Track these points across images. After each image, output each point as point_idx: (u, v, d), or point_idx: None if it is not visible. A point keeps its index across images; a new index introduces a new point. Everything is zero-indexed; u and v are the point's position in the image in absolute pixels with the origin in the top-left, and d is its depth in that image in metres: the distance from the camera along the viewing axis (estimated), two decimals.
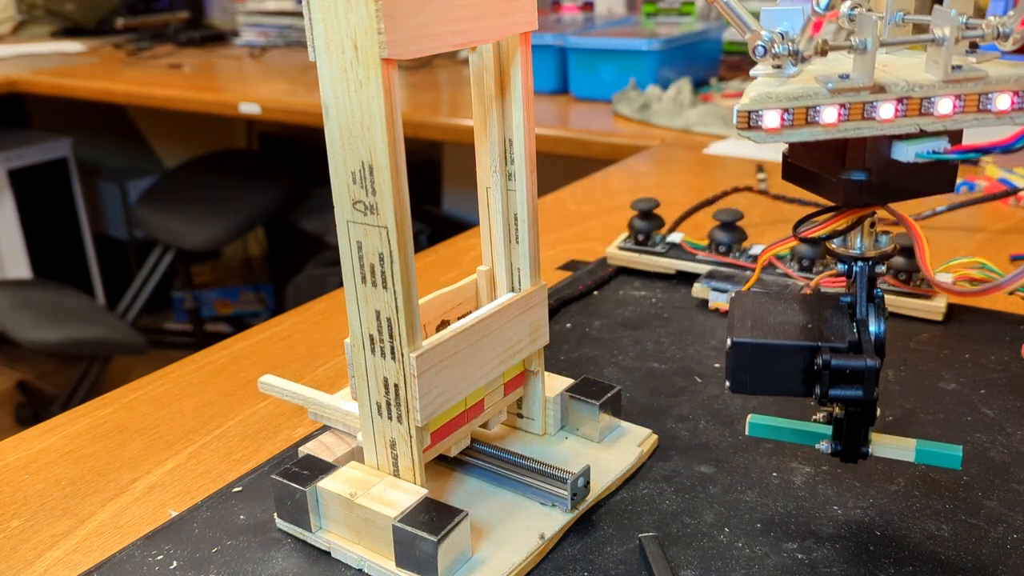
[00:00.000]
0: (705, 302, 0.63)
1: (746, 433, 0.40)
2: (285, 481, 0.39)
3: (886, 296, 0.60)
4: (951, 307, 0.60)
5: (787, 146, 0.36)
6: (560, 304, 0.64)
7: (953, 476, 0.43)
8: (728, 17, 0.32)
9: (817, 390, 0.34)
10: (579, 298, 0.66)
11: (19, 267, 2.14)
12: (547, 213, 0.87)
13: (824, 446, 0.38)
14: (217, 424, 0.51)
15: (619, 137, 1.16)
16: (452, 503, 0.38)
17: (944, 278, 0.60)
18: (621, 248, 0.70)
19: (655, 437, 0.47)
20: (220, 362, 0.59)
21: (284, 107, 1.46)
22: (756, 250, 0.66)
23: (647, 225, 0.69)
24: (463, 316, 0.44)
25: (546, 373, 0.46)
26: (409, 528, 0.36)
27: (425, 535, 0.36)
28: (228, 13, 2.32)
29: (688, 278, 0.67)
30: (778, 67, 0.31)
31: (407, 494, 0.38)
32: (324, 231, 2.06)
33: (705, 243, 0.67)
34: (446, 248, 0.78)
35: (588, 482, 0.42)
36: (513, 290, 0.44)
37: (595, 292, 0.67)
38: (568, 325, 0.61)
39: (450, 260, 0.75)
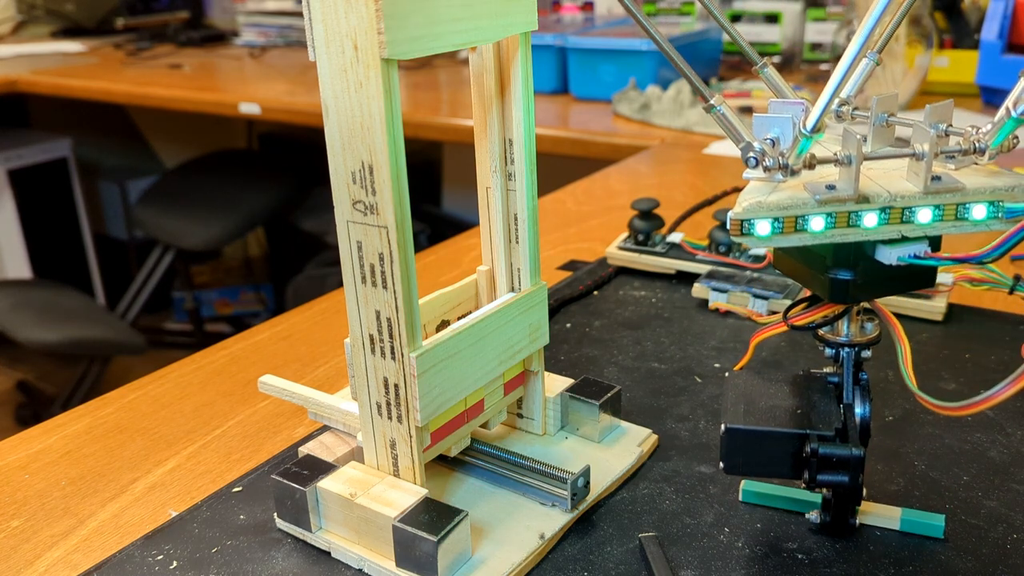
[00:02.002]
0: (705, 302, 0.63)
1: (739, 499, 0.42)
2: (285, 481, 0.39)
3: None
4: (951, 307, 0.60)
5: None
6: (560, 304, 0.64)
7: (953, 476, 0.43)
8: (723, 127, 0.34)
9: (806, 475, 0.36)
10: (579, 298, 0.66)
11: (19, 267, 2.14)
12: (547, 213, 0.87)
13: (814, 516, 0.40)
14: (217, 424, 0.51)
15: (619, 137, 1.16)
16: (452, 503, 0.38)
17: (944, 278, 0.60)
18: (621, 248, 0.70)
19: (655, 437, 0.47)
20: (220, 362, 0.59)
21: (284, 107, 1.46)
22: (756, 250, 0.66)
23: (647, 225, 0.69)
24: (463, 316, 0.44)
25: (546, 373, 0.46)
26: (409, 528, 0.36)
27: (425, 535, 0.36)
28: (228, 13, 2.32)
29: (688, 278, 0.67)
30: (768, 171, 0.33)
31: (407, 494, 0.38)
32: (324, 231, 2.06)
33: (705, 243, 0.67)
34: (446, 248, 0.78)
35: (588, 482, 0.42)
36: (513, 290, 0.44)
37: (595, 292, 0.67)
38: (568, 325, 0.61)
39: (450, 260, 0.75)
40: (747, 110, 1.22)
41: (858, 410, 0.38)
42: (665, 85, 1.28)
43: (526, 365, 0.44)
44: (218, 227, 2.01)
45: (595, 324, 0.61)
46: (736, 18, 1.53)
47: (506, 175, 0.42)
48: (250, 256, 2.58)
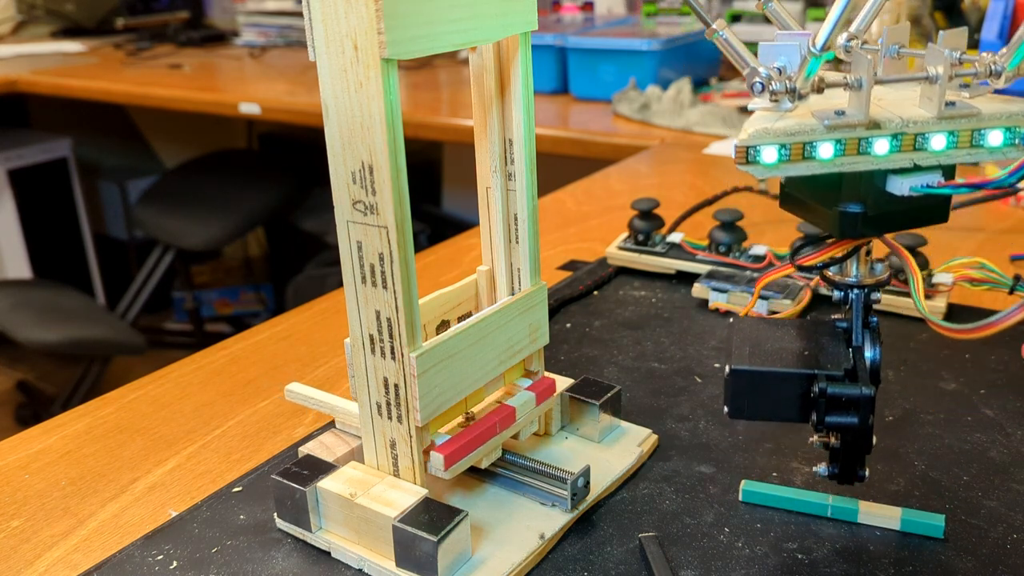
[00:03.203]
0: (705, 302, 0.63)
1: (739, 499, 0.42)
2: (285, 481, 0.39)
3: (887, 296, 0.60)
4: (951, 307, 0.60)
5: (785, 177, 0.37)
6: (560, 304, 0.64)
7: (953, 476, 0.43)
8: (727, 53, 0.33)
9: (813, 417, 0.35)
10: (579, 298, 0.66)
11: (19, 267, 2.14)
12: (547, 213, 0.87)
13: (821, 468, 0.39)
14: (217, 424, 0.51)
15: (619, 137, 1.16)
16: (452, 503, 0.38)
17: (944, 278, 0.60)
18: (621, 248, 0.70)
19: (655, 437, 0.47)
20: (220, 362, 0.59)
21: (284, 107, 1.46)
22: (756, 250, 0.65)
23: (647, 225, 0.69)
24: (463, 316, 0.44)
25: (546, 373, 0.46)
26: (409, 528, 0.36)
27: (425, 535, 0.36)
28: (228, 13, 2.32)
29: (688, 278, 0.66)
30: (776, 101, 0.32)
31: (407, 494, 0.38)
32: (324, 231, 2.06)
33: (705, 243, 0.67)
34: (446, 248, 0.78)
35: (588, 482, 0.42)
36: (513, 290, 0.44)
37: (595, 292, 0.67)
38: (568, 325, 0.61)
39: (450, 260, 0.75)
40: (746, 110, 1.22)
41: (868, 353, 0.36)
42: (665, 85, 1.28)
43: (526, 365, 0.44)
44: (218, 227, 2.01)
45: (595, 324, 0.61)
46: (736, 18, 1.53)
47: (506, 175, 0.42)
48: (250, 256, 2.58)
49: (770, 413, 0.36)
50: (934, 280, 0.60)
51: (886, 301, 0.60)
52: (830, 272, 0.37)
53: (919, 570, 0.37)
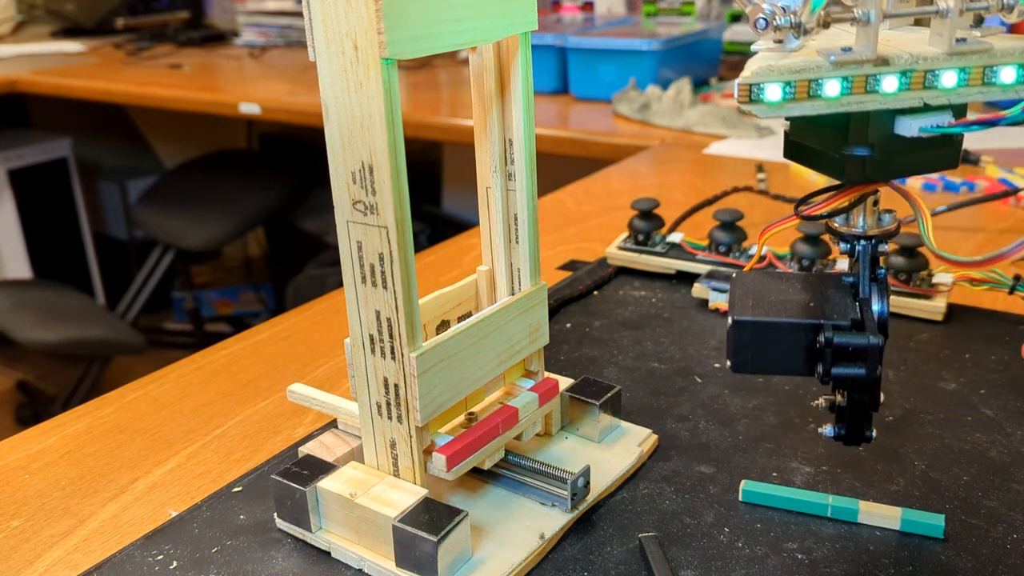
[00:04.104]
0: (705, 302, 0.63)
1: (739, 499, 0.42)
2: (285, 481, 0.39)
3: None
4: (951, 307, 0.60)
5: (788, 124, 0.36)
6: (560, 304, 0.64)
7: (953, 476, 0.43)
8: None
9: (819, 369, 0.34)
10: (579, 298, 0.66)
11: (19, 267, 2.14)
12: (547, 213, 0.87)
13: (828, 429, 0.37)
14: (217, 424, 0.51)
15: (619, 137, 1.16)
16: (452, 503, 0.38)
17: (944, 278, 0.60)
18: (621, 248, 0.70)
19: (655, 437, 0.47)
20: (220, 362, 0.59)
21: (284, 107, 1.46)
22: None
23: (647, 225, 0.69)
24: (463, 316, 0.44)
25: (546, 373, 0.46)
26: (409, 528, 0.36)
27: (425, 535, 0.36)
28: (228, 13, 2.32)
29: (688, 278, 0.67)
30: (780, 41, 0.31)
31: (407, 494, 0.38)
32: (324, 231, 2.06)
33: (705, 243, 0.67)
34: (446, 248, 0.78)
35: (588, 482, 0.42)
36: (513, 290, 0.44)
37: (595, 292, 0.67)
38: (568, 325, 0.61)
39: (450, 260, 0.75)
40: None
41: (876, 306, 0.35)
42: (665, 85, 1.28)
43: (526, 365, 0.44)
44: (218, 227, 2.01)
45: (595, 324, 0.61)
46: (736, 18, 1.53)
47: (506, 175, 0.42)
48: (250, 256, 2.58)
49: (774, 366, 0.35)
50: (934, 280, 0.60)
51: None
52: (836, 223, 0.36)
53: (919, 570, 0.37)
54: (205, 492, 0.45)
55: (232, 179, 2.13)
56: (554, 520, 0.40)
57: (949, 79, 0.30)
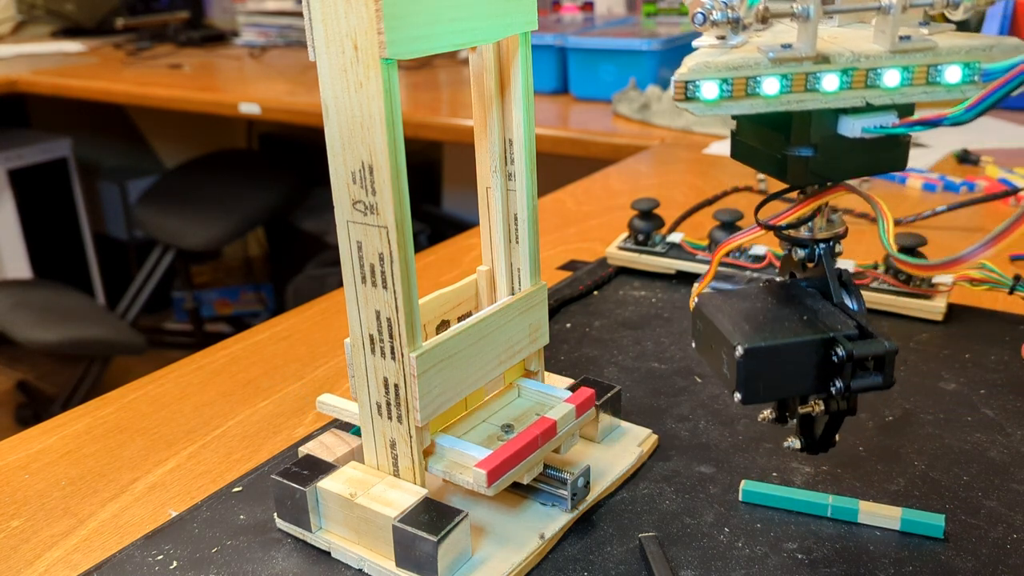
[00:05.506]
0: None
1: (739, 499, 0.42)
2: (285, 481, 0.39)
3: (886, 296, 0.60)
4: (951, 307, 0.60)
5: (735, 124, 0.35)
6: (560, 304, 0.64)
7: (953, 476, 0.43)
8: None
9: (838, 384, 0.32)
10: (579, 298, 0.66)
11: (19, 267, 2.14)
12: (547, 213, 0.87)
13: (792, 442, 0.37)
14: (217, 424, 0.51)
15: (619, 137, 1.16)
16: (452, 503, 0.38)
17: (944, 278, 0.60)
18: (621, 248, 0.70)
19: (655, 437, 0.47)
20: (220, 362, 0.59)
21: (284, 107, 1.46)
22: (756, 250, 0.65)
23: (647, 225, 0.69)
24: (463, 316, 0.44)
25: (546, 373, 0.46)
26: (409, 528, 0.36)
27: (425, 535, 0.36)
28: (228, 13, 2.32)
29: (688, 278, 0.66)
30: (722, 38, 0.30)
31: (407, 494, 0.38)
32: (324, 231, 2.06)
33: (705, 243, 0.67)
34: (446, 248, 0.78)
35: (588, 482, 0.42)
36: (513, 290, 0.44)
37: (595, 292, 0.67)
38: (568, 325, 0.61)
39: (450, 260, 0.75)
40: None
41: (853, 306, 0.34)
42: (665, 85, 1.28)
43: (526, 365, 0.44)
44: (218, 227, 2.01)
45: (595, 324, 0.61)
46: None
47: (506, 175, 0.42)
48: (250, 256, 2.58)
49: (786, 390, 0.33)
50: (934, 280, 0.60)
51: (886, 301, 0.60)
52: (792, 232, 0.35)
53: (919, 570, 0.37)
54: (205, 492, 0.45)
55: (232, 179, 2.13)
56: (554, 520, 0.40)
57: (891, 78, 0.30)
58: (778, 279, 0.37)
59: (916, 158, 0.98)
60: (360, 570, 0.38)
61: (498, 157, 0.41)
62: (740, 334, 0.32)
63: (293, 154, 2.24)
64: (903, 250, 0.59)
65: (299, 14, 2.07)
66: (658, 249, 0.69)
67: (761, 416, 0.37)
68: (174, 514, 0.43)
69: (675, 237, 0.70)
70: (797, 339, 0.32)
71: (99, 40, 2.20)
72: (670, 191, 0.91)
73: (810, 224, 0.35)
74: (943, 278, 0.60)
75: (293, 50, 2.01)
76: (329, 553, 0.39)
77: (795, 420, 0.37)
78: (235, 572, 0.39)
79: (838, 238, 0.35)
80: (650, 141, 1.13)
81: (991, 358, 0.54)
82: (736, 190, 0.80)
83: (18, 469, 0.47)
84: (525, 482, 0.40)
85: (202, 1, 2.43)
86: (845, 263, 0.63)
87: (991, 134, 1.06)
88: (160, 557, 0.40)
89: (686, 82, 0.29)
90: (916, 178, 0.89)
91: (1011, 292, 0.57)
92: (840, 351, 0.32)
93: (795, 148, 0.31)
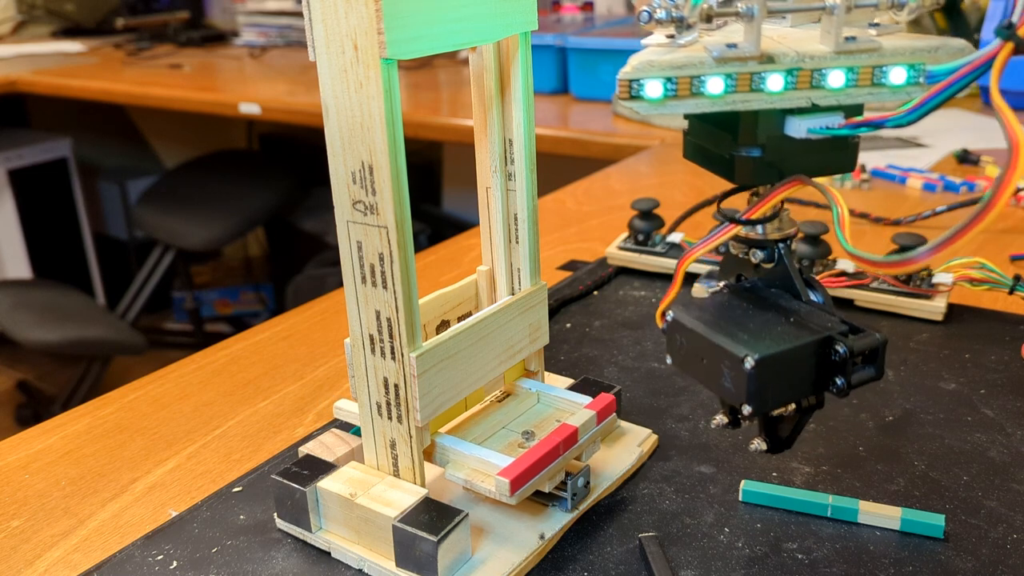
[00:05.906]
0: None
1: (739, 499, 0.41)
2: (285, 481, 0.39)
3: (886, 296, 0.60)
4: (951, 307, 0.60)
5: (688, 123, 0.35)
6: (560, 304, 0.64)
7: (953, 476, 0.43)
8: None
9: (839, 381, 0.32)
10: (579, 298, 0.66)
11: (19, 267, 2.14)
12: (547, 213, 0.87)
13: (758, 444, 0.37)
14: (217, 424, 0.51)
15: (619, 137, 1.16)
16: (452, 503, 0.38)
17: (944, 278, 0.60)
18: (621, 248, 0.70)
19: (655, 437, 0.47)
20: (220, 362, 0.59)
21: (284, 107, 1.46)
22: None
23: (647, 225, 0.69)
24: (463, 316, 0.44)
25: (546, 373, 0.46)
26: (409, 528, 0.36)
27: (425, 535, 0.36)
28: (228, 13, 2.32)
29: (688, 278, 0.66)
30: (671, 37, 0.30)
31: (407, 494, 0.38)
32: (324, 231, 2.06)
33: None
34: (446, 248, 0.78)
35: (588, 482, 0.42)
36: (513, 290, 0.44)
37: (595, 292, 0.67)
38: (568, 325, 0.61)
39: (450, 260, 0.75)
40: None
41: (817, 298, 0.34)
42: None
43: (526, 365, 0.44)
44: (218, 227, 2.01)
45: (595, 324, 0.61)
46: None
47: (506, 175, 0.42)
48: (250, 256, 2.58)
49: (792, 394, 0.32)
50: (934, 280, 0.60)
51: (886, 301, 0.60)
52: (748, 233, 0.35)
53: (919, 570, 0.37)
54: (205, 492, 0.45)
55: (232, 179, 2.13)
56: (554, 520, 0.40)
57: (836, 79, 0.29)
58: (731, 282, 0.37)
59: (916, 158, 0.98)
60: (360, 570, 0.38)
61: (498, 157, 0.41)
62: (744, 345, 0.32)
63: (293, 154, 2.24)
64: (904, 250, 0.59)
65: (299, 14, 2.07)
66: (658, 249, 0.69)
67: (714, 422, 0.36)
68: (174, 514, 0.43)
69: (675, 237, 0.70)
70: (799, 342, 0.32)
71: (99, 40, 2.20)
72: (670, 191, 0.91)
73: (776, 226, 0.35)
74: (943, 278, 0.60)
75: (293, 50, 2.01)
76: (329, 553, 0.39)
77: (751, 422, 0.36)
78: (235, 572, 0.39)
79: (793, 237, 0.35)
80: (650, 141, 1.13)
81: (991, 358, 0.54)
82: (736, 190, 0.80)
83: (18, 469, 0.47)
84: (547, 490, 0.40)
85: (202, 1, 2.43)
86: (842, 264, 0.63)
87: (991, 134, 1.06)
88: (160, 557, 0.40)
89: (630, 80, 0.29)
90: (916, 178, 0.89)
91: (1011, 292, 0.57)
92: (841, 348, 0.32)
93: (742, 148, 0.32)
